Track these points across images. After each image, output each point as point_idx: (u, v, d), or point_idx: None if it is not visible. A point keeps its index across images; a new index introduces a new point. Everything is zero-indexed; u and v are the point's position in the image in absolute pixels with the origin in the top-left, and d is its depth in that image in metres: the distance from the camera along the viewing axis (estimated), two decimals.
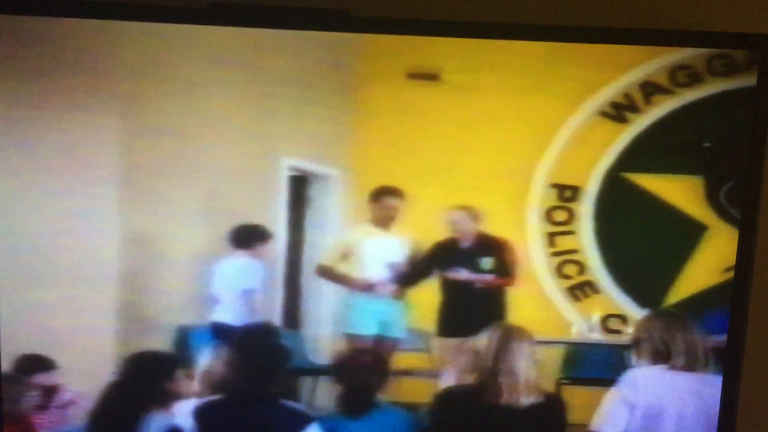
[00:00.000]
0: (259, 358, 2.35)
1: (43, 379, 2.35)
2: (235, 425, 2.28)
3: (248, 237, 2.39)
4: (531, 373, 2.28)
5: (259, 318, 2.44)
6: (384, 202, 2.39)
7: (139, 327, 2.37)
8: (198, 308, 2.40)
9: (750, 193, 2.26)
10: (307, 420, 2.32)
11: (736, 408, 2.33)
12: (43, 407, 2.37)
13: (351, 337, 2.49)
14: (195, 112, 2.28)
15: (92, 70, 2.23)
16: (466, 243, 2.44)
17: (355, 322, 2.49)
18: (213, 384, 2.34)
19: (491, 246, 2.40)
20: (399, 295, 2.46)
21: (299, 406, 2.39)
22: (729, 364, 2.32)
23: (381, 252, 2.47)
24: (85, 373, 2.35)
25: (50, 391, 2.37)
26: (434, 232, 2.42)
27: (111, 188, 2.31)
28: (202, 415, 2.28)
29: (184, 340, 2.38)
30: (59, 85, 2.22)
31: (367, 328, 2.50)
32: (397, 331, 2.50)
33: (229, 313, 2.44)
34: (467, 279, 2.46)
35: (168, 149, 2.30)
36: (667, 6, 2.32)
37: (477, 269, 2.46)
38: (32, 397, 2.35)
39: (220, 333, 2.42)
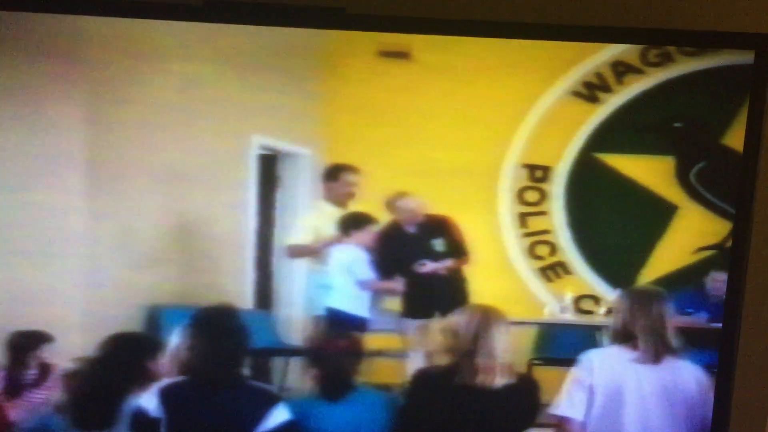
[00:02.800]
0: (220, 339, 2.31)
1: (45, 353, 2.35)
2: (200, 406, 2.26)
3: (347, 224, 2.42)
4: (506, 354, 2.28)
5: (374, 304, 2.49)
6: (344, 178, 2.38)
7: (108, 307, 2.35)
8: (168, 288, 2.39)
9: (746, 185, 2.28)
10: (274, 400, 2.30)
11: (729, 403, 2.36)
12: (36, 385, 2.37)
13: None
14: (164, 89, 2.27)
15: (55, 46, 2.22)
16: (411, 227, 2.44)
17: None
18: (182, 365, 2.33)
19: (437, 226, 2.40)
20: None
21: (266, 386, 2.39)
22: (723, 358, 2.35)
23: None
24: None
25: (47, 369, 2.36)
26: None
27: (78, 169, 2.30)
28: (167, 396, 2.25)
29: (156, 320, 2.37)
30: (23, 73, 2.23)
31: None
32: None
33: (343, 300, 2.47)
34: (433, 270, 2.46)
35: (136, 126, 2.28)
36: (663, 4, 2.31)
37: (430, 252, 2.46)
38: (31, 375, 2.36)
39: (335, 319, 2.45)
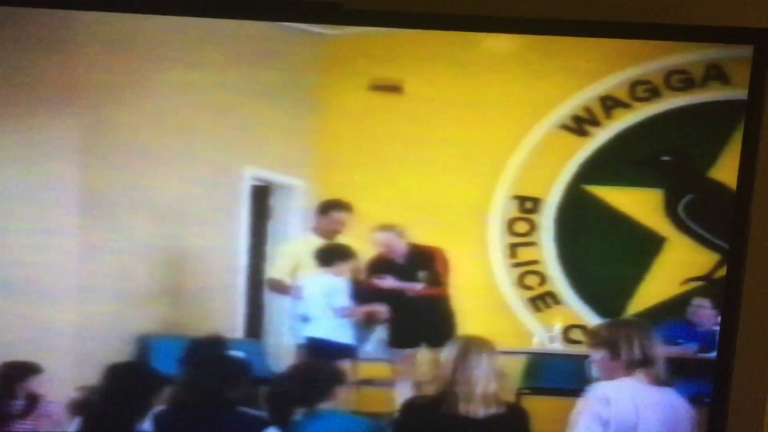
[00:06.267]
0: (210, 369, 2.34)
1: (33, 384, 2.34)
2: (193, 431, 2.28)
3: (329, 256, 2.42)
4: (490, 384, 2.28)
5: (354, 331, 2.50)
6: (332, 215, 2.39)
7: (100, 338, 2.35)
8: (160, 318, 2.38)
9: (739, 208, 2.31)
10: (263, 424, 2.32)
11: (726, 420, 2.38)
12: (24, 416, 2.35)
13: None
14: (157, 120, 2.28)
15: (50, 73, 2.23)
16: (399, 258, 2.45)
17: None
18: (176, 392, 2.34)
19: (424, 257, 2.42)
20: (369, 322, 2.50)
21: (257, 411, 2.37)
22: (719, 377, 2.37)
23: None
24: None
25: (34, 399, 2.35)
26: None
27: (71, 200, 2.31)
28: (161, 421, 2.28)
29: (146, 350, 2.37)
30: (17, 92, 2.23)
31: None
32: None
33: (322, 329, 2.47)
34: (395, 287, 2.47)
35: (129, 158, 2.29)
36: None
37: (413, 281, 2.47)
38: (17, 405, 2.34)
39: (315, 348, 2.46)
